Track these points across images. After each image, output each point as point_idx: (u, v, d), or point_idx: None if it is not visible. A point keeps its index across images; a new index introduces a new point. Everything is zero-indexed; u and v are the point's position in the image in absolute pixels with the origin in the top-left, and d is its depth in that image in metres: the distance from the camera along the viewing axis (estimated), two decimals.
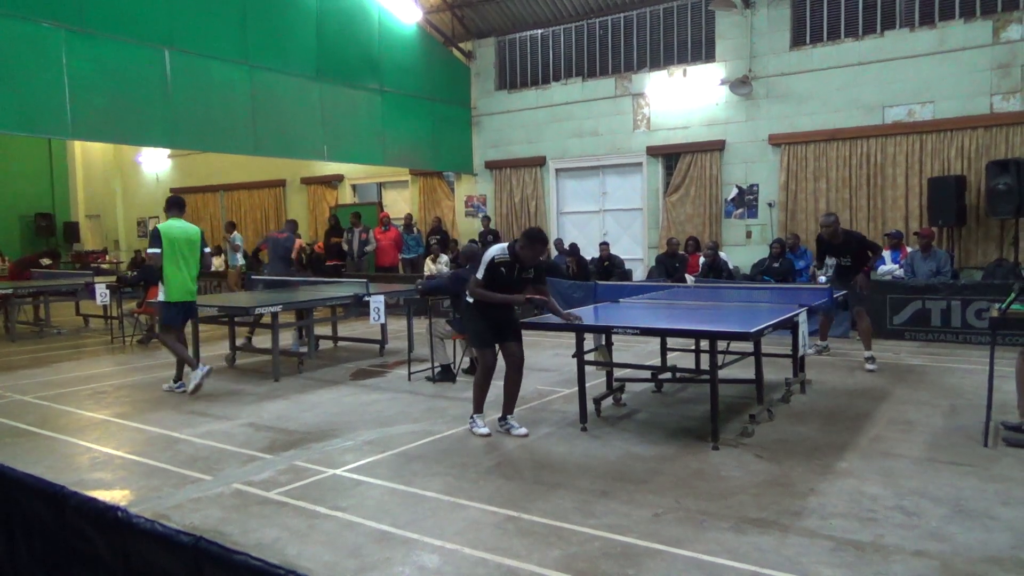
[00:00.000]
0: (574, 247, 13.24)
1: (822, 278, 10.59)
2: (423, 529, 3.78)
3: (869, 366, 7.60)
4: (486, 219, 15.02)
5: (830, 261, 8.06)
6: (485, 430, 5.47)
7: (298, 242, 16.70)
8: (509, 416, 5.56)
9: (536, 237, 5.36)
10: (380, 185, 17.50)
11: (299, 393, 7.15)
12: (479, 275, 5.35)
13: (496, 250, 5.35)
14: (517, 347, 5.50)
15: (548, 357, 8.49)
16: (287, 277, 10.68)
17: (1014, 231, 10.36)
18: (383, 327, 8.94)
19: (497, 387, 5.57)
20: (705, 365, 5.57)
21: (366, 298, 8.29)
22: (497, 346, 5.51)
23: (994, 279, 9.54)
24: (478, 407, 5.58)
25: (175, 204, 7.27)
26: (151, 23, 10.02)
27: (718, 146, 12.79)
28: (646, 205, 13.79)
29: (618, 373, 6.52)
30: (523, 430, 5.45)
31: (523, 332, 5.61)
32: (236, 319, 8.61)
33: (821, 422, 5.66)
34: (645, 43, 13.62)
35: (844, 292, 7.75)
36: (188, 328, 7.66)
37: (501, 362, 5.50)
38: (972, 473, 4.43)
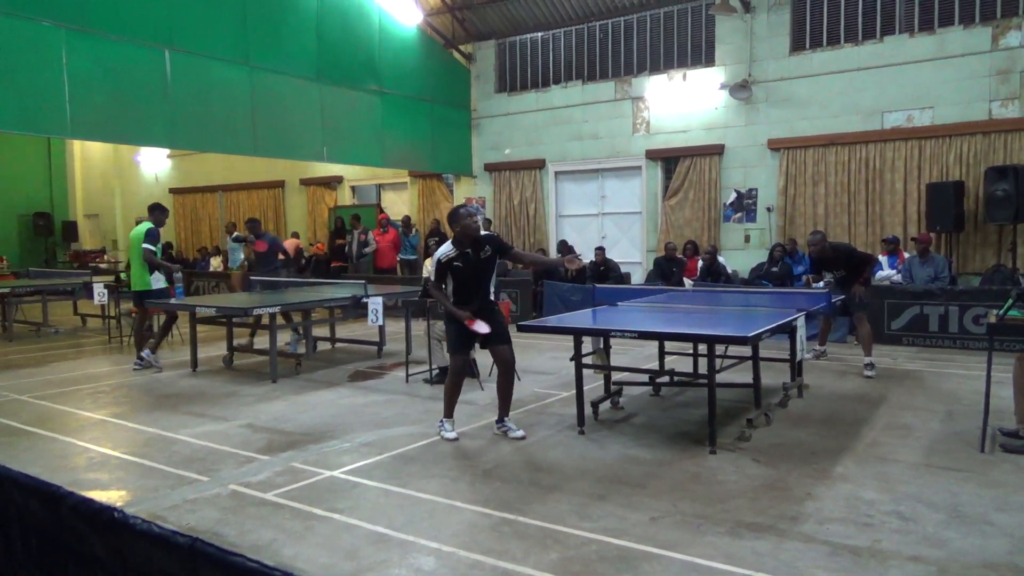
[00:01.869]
0: (564, 244, 13.33)
1: (819, 283, 10.63)
2: (420, 531, 3.78)
3: (868, 372, 7.58)
4: (486, 221, 15.01)
5: (827, 277, 8.06)
6: (453, 434, 5.41)
7: (295, 242, 16.72)
8: (506, 419, 5.54)
9: (453, 213, 5.40)
10: (379, 187, 17.51)
11: (296, 394, 7.15)
12: (432, 276, 5.39)
13: (441, 251, 5.35)
14: (505, 349, 5.41)
15: (546, 360, 8.49)
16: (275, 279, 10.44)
17: (1012, 237, 10.37)
18: (381, 329, 8.94)
19: (491, 390, 5.57)
20: (703, 369, 5.58)
21: (364, 299, 8.30)
22: (472, 352, 5.58)
23: (992, 285, 9.55)
24: (448, 411, 5.50)
25: (149, 209, 8.67)
26: (151, 23, 10.02)
27: (717, 150, 12.81)
28: (645, 209, 13.79)
29: (616, 376, 6.52)
30: (520, 432, 5.43)
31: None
32: (234, 320, 8.72)
33: (818, 427, 5.66)
34: (645, 47, 13.63)
35: (843, 297, 7.77)
36: (185, 327, 8.64)
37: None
38: (969, 479, 4.44)
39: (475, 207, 15.72)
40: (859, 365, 7.95)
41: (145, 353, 8.56)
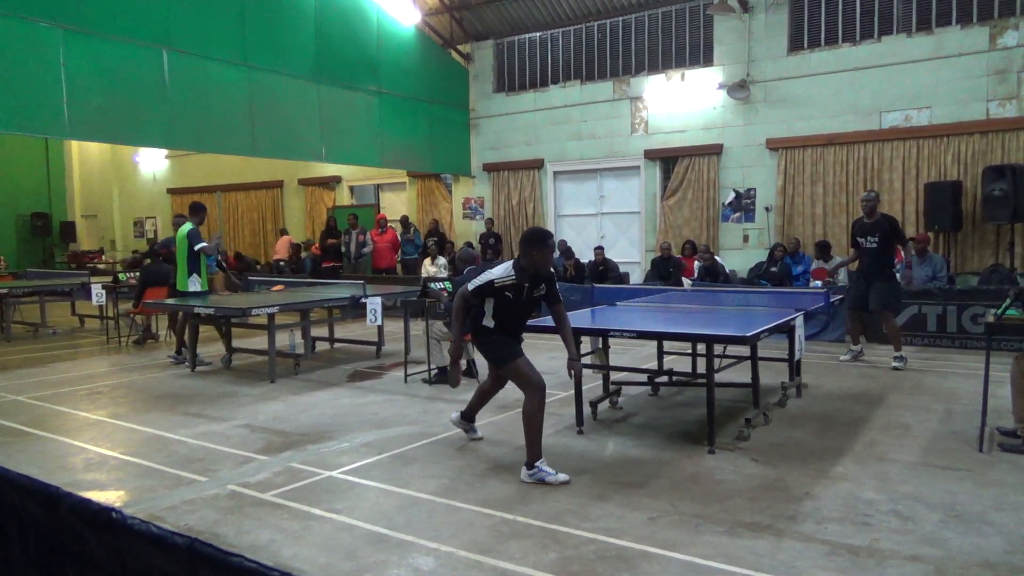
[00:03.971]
0: (563, 244, 13.35)
1: (817, 283, 10.66)
2: (419, 531, 3.77)
3: (896, 364, 7.72)
4: (489, 221, 14.99)
5: (868, 241, 8.00)
6: (564, 476, 4.41)
7: (288, 239, 16.60)
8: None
9: (542, 238, 4.58)
10: (378, 187, 17.51)
11: (295, 395, 7.14)
12: (471, 287, 4.58)
13: (500, 272, 4.57)
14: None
15: (545, 360, 8.47)
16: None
17: (1010, 236, 10.39)
18: (380, 329, 8.94)
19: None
20: (702, 369, 5.58)
21: (363, 300, 8.29)
22: (474, 353, 5.05)
23: (990, 284, 9.56)
24: (540, 450, 4.46)
25: (189, 209, 8.77)
26: (149, 23, 10.01)
27: (716, 150, 12.82)
28: (643, 208, 13.80)
29: (615, 376, 6.52)
30: (480, 433, 5.42)
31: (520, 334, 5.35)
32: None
33: (817, 426, 5.66)
34: (643, 47, 13.64)
35: (840, 297, 7.79)
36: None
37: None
38: (967, 478, 4.44)
39: (473, 206, 15.73)
40: (860, 364, 7.98)
41: (172, 357, 8.93)
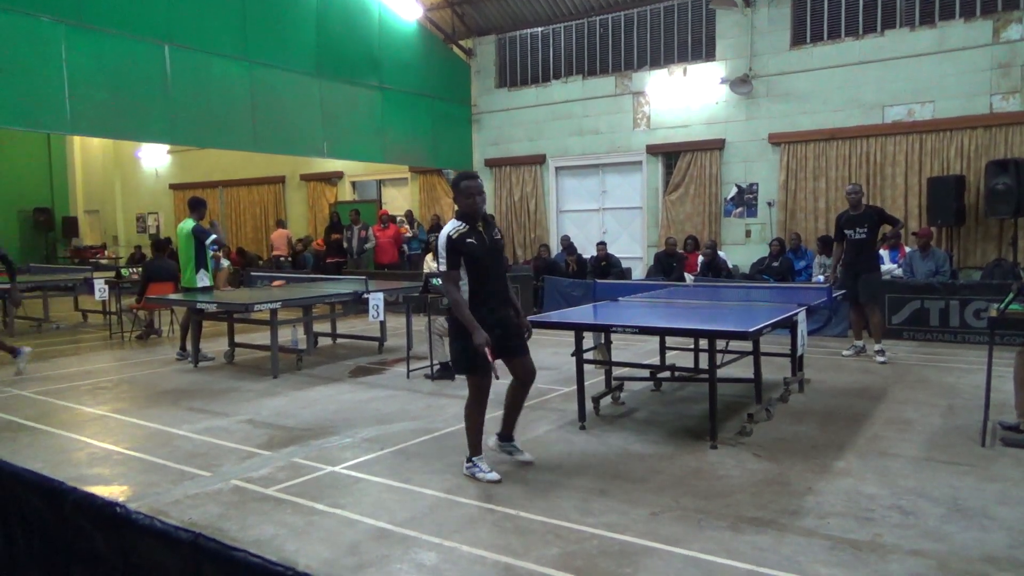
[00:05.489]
0: (565, 240, 13.39)
1: (819, 278, 10.65)
2: (421, 526, 3.78)
3: (879, 358, 7.78)
4: (491, 217, 14.95)
5: (857, 233, 8.08)
6: (494, 475, 4.42)
7: (286, 233, 16.56)
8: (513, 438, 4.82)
9: (465, 174, 4.59)
10: (380, 182, 17.50)
11: (298, 390, 7.16)
12: (443, 264, 4.29)
13: (449, 227, 4.37)
14: (528, 360, 4.60)
15: (547, 355, 8.48)
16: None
17: (1013, 231, 10.36)
18: (382, 324, 8.95)
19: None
20: (704, 364, 5.58)
21: (365, 295, 8.30)
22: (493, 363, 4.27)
23: (992, 279, 9.54)
24: (477, 448, 4.51)
25: (189, 206, 8.82)
26: (151, 18, 10.00)
27: (718, 145, 12.79)
28: (646, 204, 13.78)
29: (617, 372, 6.53)
30: (529, 456, 4.77)
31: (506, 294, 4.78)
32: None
33: (819, 421, 5.66)
34: (645, 41, 13.60)
35: (844, 292, 7.81)
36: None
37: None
38: (969, 473, 4.44)
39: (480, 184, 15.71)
40: (862, 359, 7.97)
41: (178, 354, 8.89)
